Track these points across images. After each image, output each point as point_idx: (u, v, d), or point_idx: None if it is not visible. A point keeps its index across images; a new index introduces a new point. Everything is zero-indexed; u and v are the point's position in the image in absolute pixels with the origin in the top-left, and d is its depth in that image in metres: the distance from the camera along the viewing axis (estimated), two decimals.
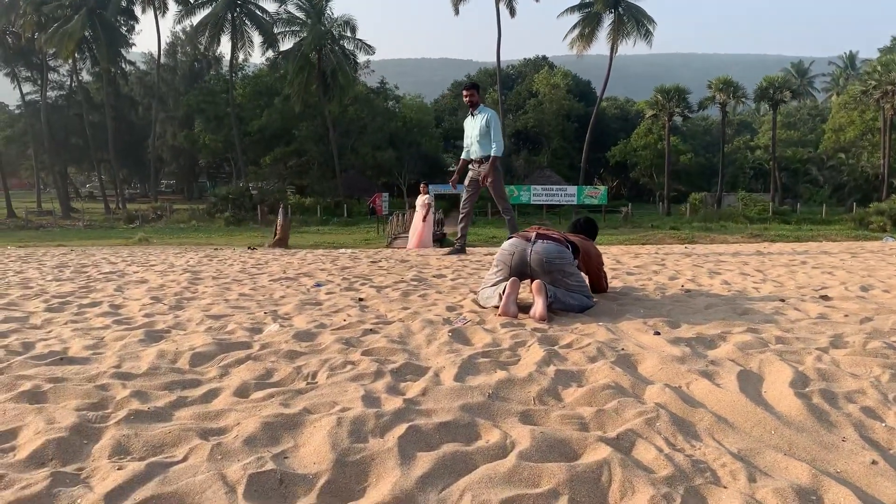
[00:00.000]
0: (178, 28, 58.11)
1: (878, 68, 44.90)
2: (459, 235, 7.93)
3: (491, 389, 2.16)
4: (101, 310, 3.96)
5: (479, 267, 6.16)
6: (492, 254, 6.44)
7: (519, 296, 3.62)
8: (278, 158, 51.43)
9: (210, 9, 47.22)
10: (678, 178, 54.04)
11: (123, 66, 53.68)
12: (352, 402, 2.05)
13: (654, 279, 5.11)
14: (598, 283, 4.24)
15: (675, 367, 2.39)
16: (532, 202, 41.99)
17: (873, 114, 48.76)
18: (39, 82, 51.73)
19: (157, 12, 49.77)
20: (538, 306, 3.34)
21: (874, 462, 1.61)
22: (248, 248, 12.60)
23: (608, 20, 46.94)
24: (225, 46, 51.23)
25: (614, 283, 4.81)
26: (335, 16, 46.77)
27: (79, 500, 1.44)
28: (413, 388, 2.22)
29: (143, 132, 58.41)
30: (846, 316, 3.41)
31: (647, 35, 46.41)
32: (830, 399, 2.05)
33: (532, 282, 3.54)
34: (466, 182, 7.76)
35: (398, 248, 14.35)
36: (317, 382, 2.34)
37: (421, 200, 14.46)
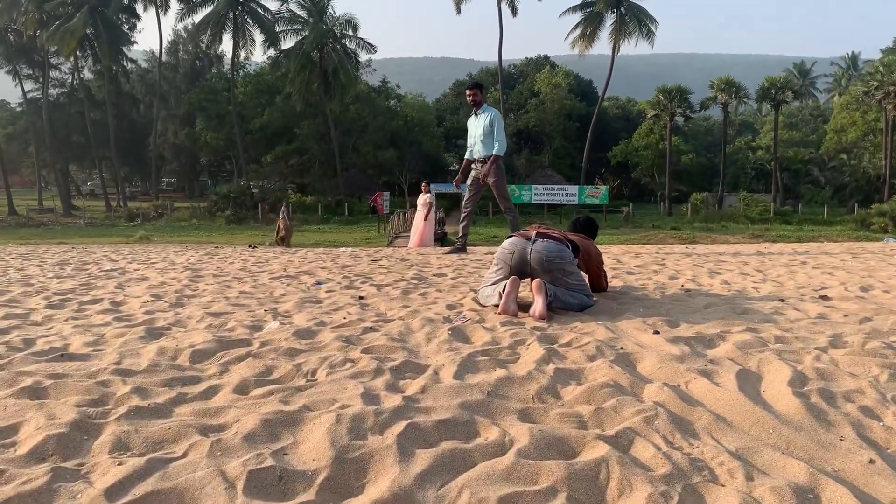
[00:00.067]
0: (180, 26, 58.38)
1: (881, 69, 44.88)
2: (460, 234, 7.93)
3: (490, 387, 2.17)
4: (102, 307, 3.97)
5: (480, 266, 6.17)
6: (492, 253, 6.45)
7: (519, 294, 3.63)
8: (279, 157, 51.46)
9: (212, 7, 47.29)
10: (679, 179, 54.03)
11: (125, 63, 53.74)
12: (351, 400, 2.05)
13: (654, 279, 5.11)
14: (598, 282, 4.24)
15: (674, 366, 2.39)
16: (533, 202, 42.02)
17: (875, 115, 48.75)
18: (41, 80, 51.77)
19: (159, 10, 49.84)
20: (538, 305, 3.35)
21: (871, 461, 1.61)
22: (249, 246, 12.61)
23: (610, 20, 46.95)
24: (226, 45, 51.47)
25: (614, 283, 4.81)
26: (337, 14, 46.84)
27: (79, 496, 1.45)
28: (412, 386, 2.22)
29: (145, 130, 58.48)
30: (845, 316, 3.41)
31: (649, 35, 46.38)
32: (829, 398, 2.06)
33: (532, 280, 3.54)
34: (469, 182, 7.76)
35: (399, 247, 14.36)
36: (316, 380, 2.34)
37: (422, 199, 14.46)
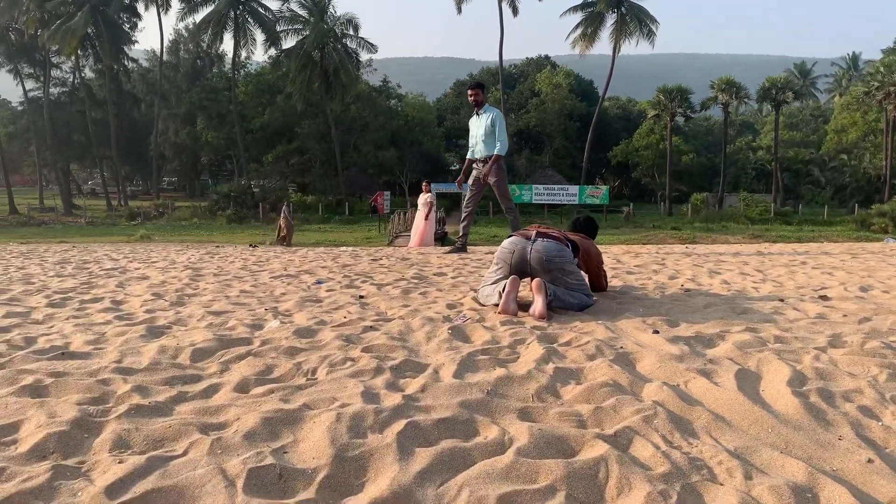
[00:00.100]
0: (181, 25, 58.41)
1: (881, 69, 44.85)
2: (461, 234, 7.94)
3: (490, 386, 2.17)
4: (103, 305, 3.98)
5: (480, 265, 6.17)
6: (493, 252, 6.46)
7: (519, 294, 3.63)
8: (280, 156, 51.47)
9: (213, 6, 47.29)
10: (680, 179, 54.02)
11: (126, 63, 53.77)
12: (351, 398, 2.06)
13: (654, 278, 5.11)
14: (598, 281, 4.25)
15: (674, 366, 2.39)
16: (534, 201, 42.05)
17: (876, 115, 48.73)
18: (42, 79, 51.81)
19: (160, 9, 49.87)
20: (538, 304, 3.35)
21: (870, 460, 1.62)
22: (250, 245, 12.62)
23: (611, 20, 46.96)
24: (227, 44, 51.29)
25: (614, 282, 4.82)
26: (338, 14, 46.86)
27: (79, 493, 1.45)
28: (412, 385, 2.23)
29: (146, 129, 58.50)
30: (845, 316, 3.41)
31: (650, 35, 46.39)
32: (828, 398, 2.06)
33: (532, 280, 3.55)
34: (470, 181, 7.76)
35: (399, 247, 14.36)
36: (316, 378, 2.35)
37: (423, 199, 14.46)
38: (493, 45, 46.57)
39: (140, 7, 51.56)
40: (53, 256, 8.10)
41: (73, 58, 49.24)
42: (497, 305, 3.56)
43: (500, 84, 51.50)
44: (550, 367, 2.41)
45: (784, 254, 7.45)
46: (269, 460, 1.59)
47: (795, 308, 3.67)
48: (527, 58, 71.43)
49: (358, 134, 50.83)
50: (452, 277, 5.27)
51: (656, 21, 46.43)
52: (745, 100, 50.69)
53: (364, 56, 50.15)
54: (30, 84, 53.52)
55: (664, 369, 2.38)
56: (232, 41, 48.35)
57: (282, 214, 19.49)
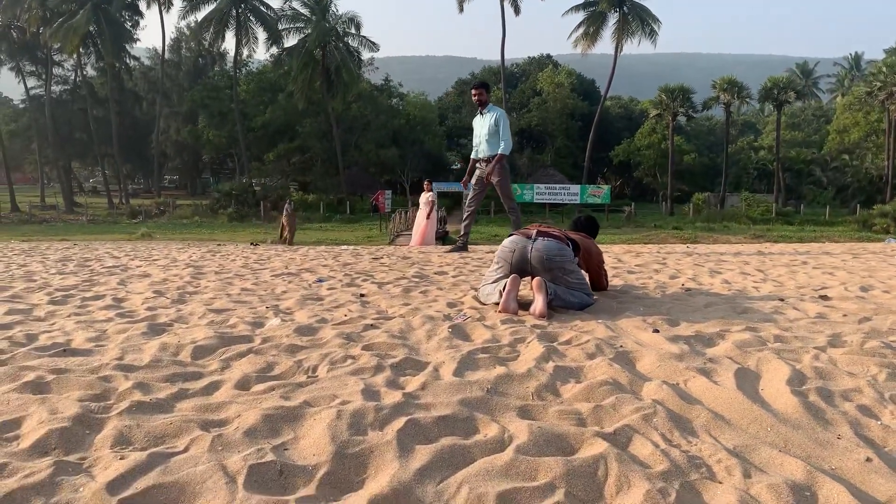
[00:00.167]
0: (183, 24, 58.26)
1: (884, 69, 44.78)
2: (462, 233, 7.93)
3: (490, 384, 2.18)
4: (104, 303, 3.98)
5: (481, 264, 6.17)
6: (493, 252, 6.46)
7: (519, 293, 3.64)
8: (281, 155, 51.49)
9: (215, 4, 47.27)
10: (681, 178, 53.97)
11: (128, 61, 53.81)
12: (352, 396, 2.07)
13: (655, 278, 5.11)
14: (599, 280, 4.25)
15: (674, 365, 2.40)
16: (535, 201, 42.03)
17: (878, 115, 48.66)
18: (44, 77, 51.86)
19: (162, 8, 49.85)
20: (538, 303, 3.36)
21: (868, 459, 1.62)
22: (251, 243, 12.63)
23: (613, 19, 46.91)
24: (229, 42, 51.24)
25: (615, 282, 4.82)
26: (339, 12, 46.87)
27: (81, 489, 1.46)
28: (412, 383, 2.23)
29: (147, 127, 58.52)
30: (845, 316, 3.42)
31: (652, 34, 46.33)
32: (827, 397, 2.06)
33: (532, 279, 3.55)
34: (473, 181, 7.75)
35: (400, 246, 14.37)
36: (317, 376, 2.35)
37: (425, 198, 14.46)
38: (495, 44, 46.51)
39: (142, 5, 51.62)
40: (55, 254, 8.11)
41: (74, 56, 49.25)
42: (497, 304, 3.57)
43: (502, 83, 51.46)
44: (550, 365, 2.42)
45: (785, 254, 7.45)
46: (270, 457, 1.59)
47: (795, 308, 3.67)
48: (529, 57, 71.43)
49: (359, 133, 50.83)
50: (453, 276, 5.27)
51: (658, 20, 46.38)
52: (747, 99, 50.63)
53: (366, 55, 50.25)
54: (31, 82, 53.61)
55: (664, 368, 2.38)
56: (234, 39, 48.36)
57: (284, 212, 19.50)
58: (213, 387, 2.22)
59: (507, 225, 7.88)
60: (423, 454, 1.63)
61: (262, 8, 48.47)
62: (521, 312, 3.43)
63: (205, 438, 1.72)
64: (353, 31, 47.24)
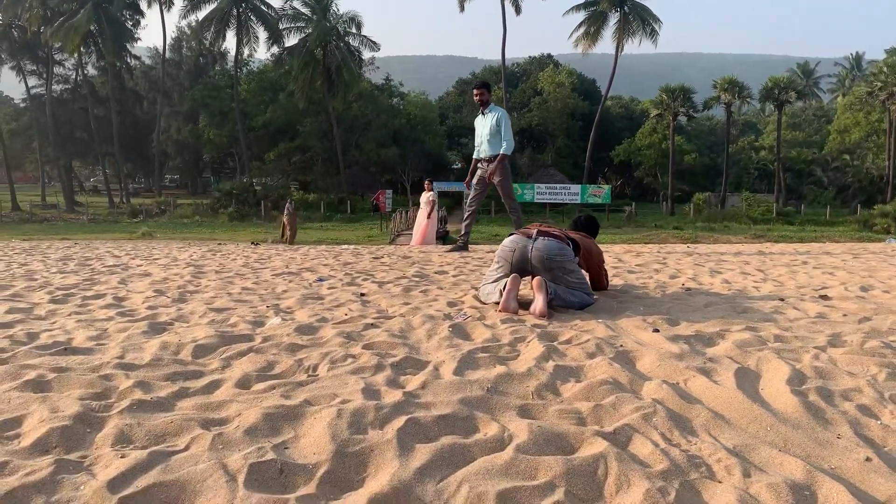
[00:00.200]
0: (184, 23, 58.34)
1: (885, 69, 44.76)
2: (463, 233, 7.94)
3: (490, 384, 2.18)
4: (105, 302, 3.99)
5: (481, 264, 6.18)
6: (494, 251, 6.46)
7: (519, 292, 3.64)
8: (282, 154, 51.49)
9: (215, 4, 47.27)
10: (682, 178, 53.96)
11: (129, 60, 53.84)
12: (352, 395, 2.07)
13: (655, 277, 5.12)
14: (599, 280, 4.25)
15: (673, 364, 2.40)
16: (536, 200, 42.01)
17: (879, 115, 48.64)
18: (45, 76, 51.88)
19: (163, 7, 49.83)
20: (538, 303, 3.36)
21: (868, 459, 1.62)
22: (252, 243, 12.64)
23: (614, 19, 46.88)
24: (230, 42, 51.23)
25: (615, 281, 4.82)
26: (340, 12, 46.84)
27: (82, 487, 1.46)
28: (413, 382, 2.24)
29: (148, 126, 58.54)
30: (845, 315, 3.42)
31: (653, 34, 46.31)
32: (827, 397, 2.07)
33: (533, 278, 3.55)
34: (475, 181, 7.75)
35: (401, 245, 14.37)
36: (317, 375, 2.36)
37: (426, 197, 14.46)
38: (495, 43, 46.49)
39: (143, 4, 51.59)
40: (56, 253, 8.12)
41: (75, 55, 49.25)
42: (498, 303, 3.57)
43: (503, 83, 51.45)
44: (550, 364, 2.42)
45: (785, 254, 7.45)
46: (270, 455, 1.60)
47: (796, 307, 3.68)
48: (529, 56, 71.41)
49: (360, 132, 50.83)
50: (453, 276, 5.27)
51: (659, 20, 46.36)
52: (748, 99, 50.60)
53: (366, 54, 50.21)
54: (32, 81, 53.61)
55: (664, 367, 2.38)
56: (234, 39, 48.33)
57: (285, 212, 19.50)
58: (214, 385, 2.23)
59: (508, 225, 7.89)
60: (423, 453, 1.63)
61: (262, 7, 48.46)
62: (521, 312, 3.44)
63: (205, 437, 1.72)
64: (353, 30, 47.28)
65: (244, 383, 2.24)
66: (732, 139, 55.50)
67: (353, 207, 43.23)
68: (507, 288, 3.51)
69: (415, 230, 15.33)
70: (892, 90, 43.19)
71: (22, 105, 59.28)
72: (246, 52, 50.14)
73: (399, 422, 1.82)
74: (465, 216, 8.00)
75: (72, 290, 4.46)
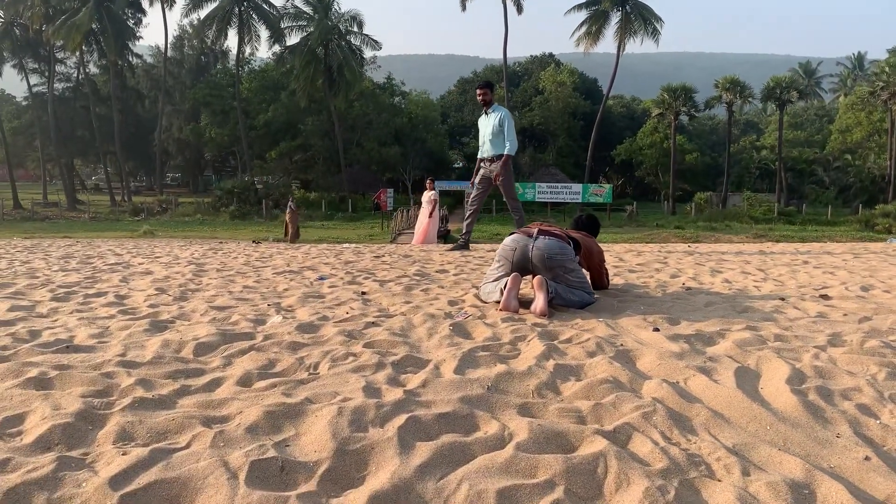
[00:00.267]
0: (186, 21, 58.30)
1: (887, 69, 44.71)
2: (464, 232, 7.94)
3: (490, 382, 2.19)
4: (107, 300, 3.99)
5: (482, 263, 6.18)
6: (495, 250, 6.47)
7: (520, 291, 3.64)
8: (284, 153, 51.51)
9: (217, 2, 47.28)
10: (684, 178, 53.93)
11: (130, 58, 53.80)
12: (353, 393, 2.07)
13: (656, 277, 5.12)
14: (600, 279, 4.26)
15: (673, 363, 2.40)
16: (537, 200, 41.94)
17: (881, 115, 48.58)
18: (46, 74, 51.88)
19: (165, 5, 49.86)
20: (539, 301, 3.36)
21: (867, 458, 1.63)
22: (253, 241, 12.65)
23: (615, 18, 46.81)
24: (232, 40, 51.23)
25: (616, 280, 4.82)
26: (342, 11, 46.85)
27: (84, 484, 1.47)
28: (413, 380, 2.24)
29: (150, 125, 58.58)
30: (845, 315, 3.42)
31: (655, 33, 46.24)
32: (826, 396, 2.07)
33: (533, 277, 3.56)
34: (477, 180, 7.75)
35: (402, 244, 14.38)
36: (318, 373, 2.36)
37: (427, 196, 14.47)
38: (497, 42, 46.42)
39: (145, 3, 51.62)
40: (57, 251, 8.13)
41: (77, 53, 49.27)
42: (498, 302, 3.57)
43: (504, 82, 51.40)
44: (551, 363, 2.42)
45: (786, 253, 7.45)
46: (272, 453, 1.60)
47: (796, 307, 3.68)
48: (531, 56, 71.32)
49: (361, 131, 50.84)
50: (454, 275, 5.28)
51: (661, 19, 46.31)
52: (750, 99, 50.55)
53: (368, 53, 50.25)
54: (34, 79, 53.64)
55: (664, 367, 2.39)
56: (236, 37, 48.33)
57: (287, 210, 19.52)
58: (215, 383, 2.23)
59: (509, 224, 7.90)
60: (423, 451, 1.63)
61: (264, 6, 48.46)
62: (521, 311, 3.44)
63: (207, 435, 1.73)
64: (355, 29, 47.29)
65: (245, 381, 2.25)
66: (734, 139, 55.47)
67: (355, 206, 43.24)
68: (507, 287, 3.52)
69: (416, 229, 15.35)
70: (893, 90, 43.15)
71: (24, 103, 59.26)
72: (247, 50, 50.17)
73: (400, 420, 1.82)
74: (467, 215, 8.01)
75: (73, 288, 4.47)
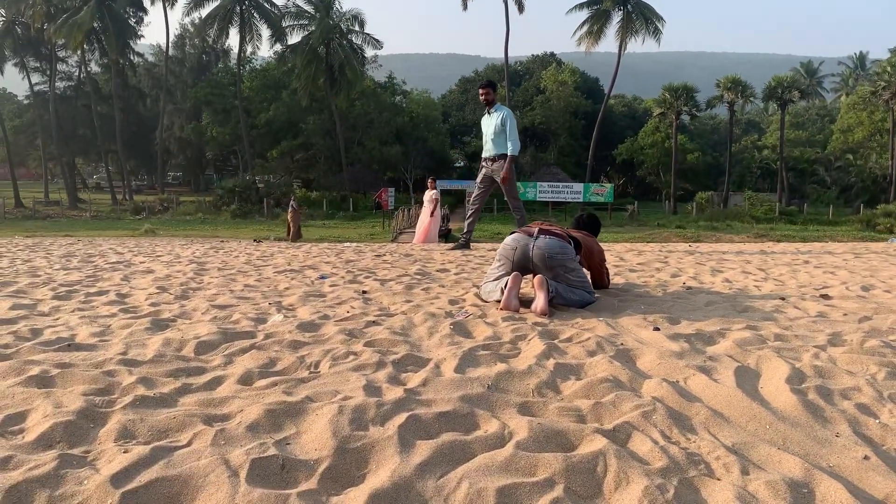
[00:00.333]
0: (187, 20, 58.30)
1: (888, 69, 44.65)
2: (465, 231, 7.94)
3: (490, 381, 2.19)
4: (108, 298, 4.00)
5: (483, 262, 6.18)
6: (496, 249, 6.47)
7: (521, 290, 3.65)
8: (285, 152, 51.51)
9: (218, 1, 47.28)
10: (685, 177, 53.91)
11: (132, 57, 53.80)
12: (353, 392, 2.08)
13: (657, 276, 5.12)
14: (600, 278, 4.26)
15: (673, 363, 2.41)
16: (538, 199, 41.95)
17: (882, 115, 48.53)
18: (48, 73, 51.91)
19: (166, 4, 49.86)
20: (539, 301, 3.37)
21: (866, 457, 1.63)
22: (254, 240, 12.65)
23: (617, 17, 46.78)
24: (233, 39, 51.32)
25: (616, 280, 4.82)
26: (343, 10, 46.84)
27: (85, 482, 1.48)
28: (414, 379, 2.25)
29: (151, 124, 58.60)
30: (845, 315, 3.42)
31: (656, 33, 46.21)
32: (826, 395, 2.07)
33: (534, 276, 3.56)
34: (479, 179, 7.75)
35: (403, 243, 14.38)
36: (319, 372, 2.37)
37: (428, 195, 14.47)
38: (498, 41, 46.38)
39: (146, 1, 51.59)
40: (59, 250, 8.14)
41: (78, 52, 49.28)
42: (499, 301, 3.58)
43: (506, 81, 51.36)
44: (551, 362, 2.43)
45: (787, 253, 7.45)
46: (272, 451, 1.61)
47: (796, 307, 3.68)
48: (532, 55, 71.27)
49: (363, 130, 50.84)
50: (455, 274, 5.28)
51: (662, 19, 46.29)
52: (751, 99, 50.54)
53: (369, 52, 50.23)
54: (35, 78, 53.67)
55: (664, 366, 2.39)
56: (237, 36, 48.32)
57: (289, 209, 19.54)
58: (216, 382, 2.24)
59: (510, 223, 7.90)
60: (423, 449, 1.64)
61: (265, 5, 48.46)
62: (522, 310, 3.45)
63: (208, 433, 1.73)
64: (356, 28, 47.27)
65: (246, 380, 2.25)
66: (735, 138, 55.41)
67: (356, 205, 43.24)
68: (508, 286, 3.52)
69: (417, 228, 15.35)
70: (895, 90, 43.08)
71: (25, 102, 59.34)
72: (249, 49, 50.18)
73: (400, 418, 1.83)
74: (468, 214, 8.01)
75: (75, 287, 4.48)
